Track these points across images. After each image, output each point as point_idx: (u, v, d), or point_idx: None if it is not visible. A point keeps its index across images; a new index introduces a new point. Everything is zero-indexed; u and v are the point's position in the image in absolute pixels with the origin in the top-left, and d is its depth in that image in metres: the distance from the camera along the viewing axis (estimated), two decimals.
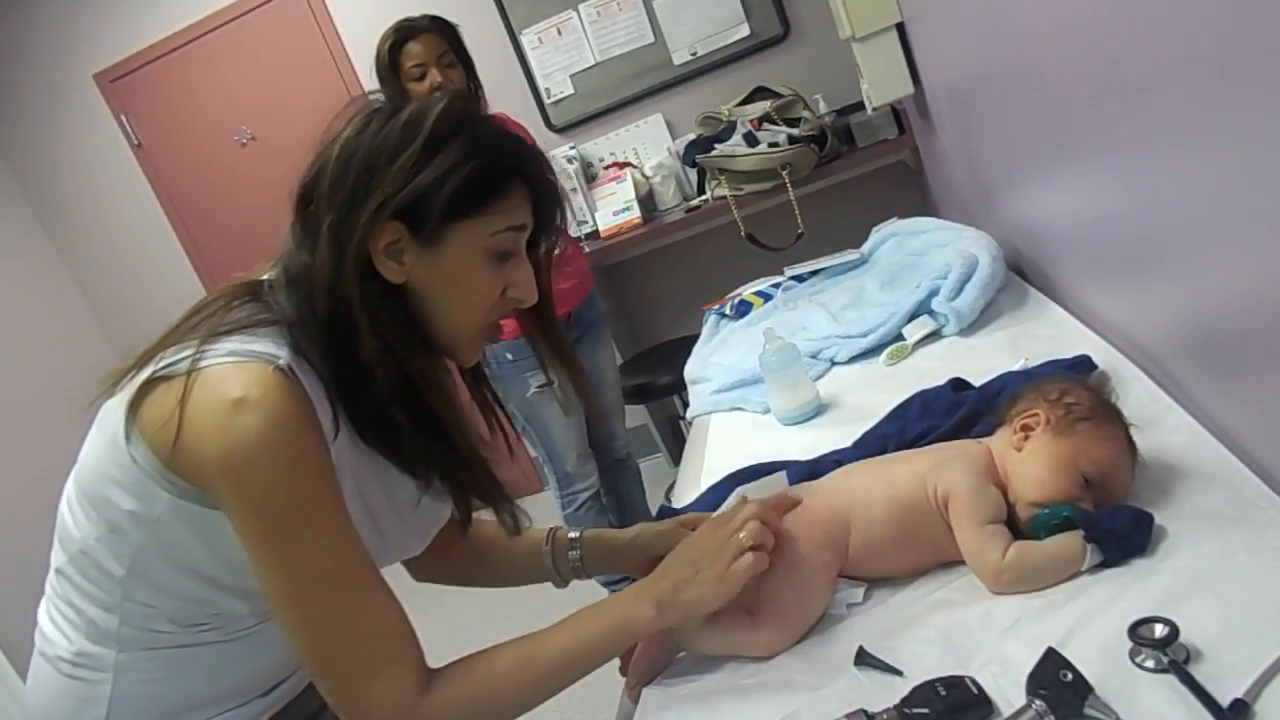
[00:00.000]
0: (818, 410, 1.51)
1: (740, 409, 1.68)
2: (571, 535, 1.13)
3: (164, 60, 3.65)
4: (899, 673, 0.80)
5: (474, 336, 0.89)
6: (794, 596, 0.92)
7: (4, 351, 3.57)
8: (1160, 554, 0.82)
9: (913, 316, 1.63)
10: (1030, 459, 0.91)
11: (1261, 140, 0.68)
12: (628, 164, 3.40)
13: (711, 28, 3.29)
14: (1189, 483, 0.91)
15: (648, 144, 3.44)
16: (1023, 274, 1.71)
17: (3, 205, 3.81)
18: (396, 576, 0.86)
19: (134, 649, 0.87)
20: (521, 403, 2.34)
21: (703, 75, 3.36)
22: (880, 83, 2.25)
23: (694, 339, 2.24)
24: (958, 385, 1.27)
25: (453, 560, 1.12)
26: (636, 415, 3.48)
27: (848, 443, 1.27)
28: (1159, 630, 0.69)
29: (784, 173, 2.81)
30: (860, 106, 2.89)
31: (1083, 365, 1.19)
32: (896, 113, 2.85)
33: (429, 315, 0.85)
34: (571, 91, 3.45)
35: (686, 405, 1.98)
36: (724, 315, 2.24)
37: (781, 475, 1.14)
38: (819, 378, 1.65)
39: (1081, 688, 0.68)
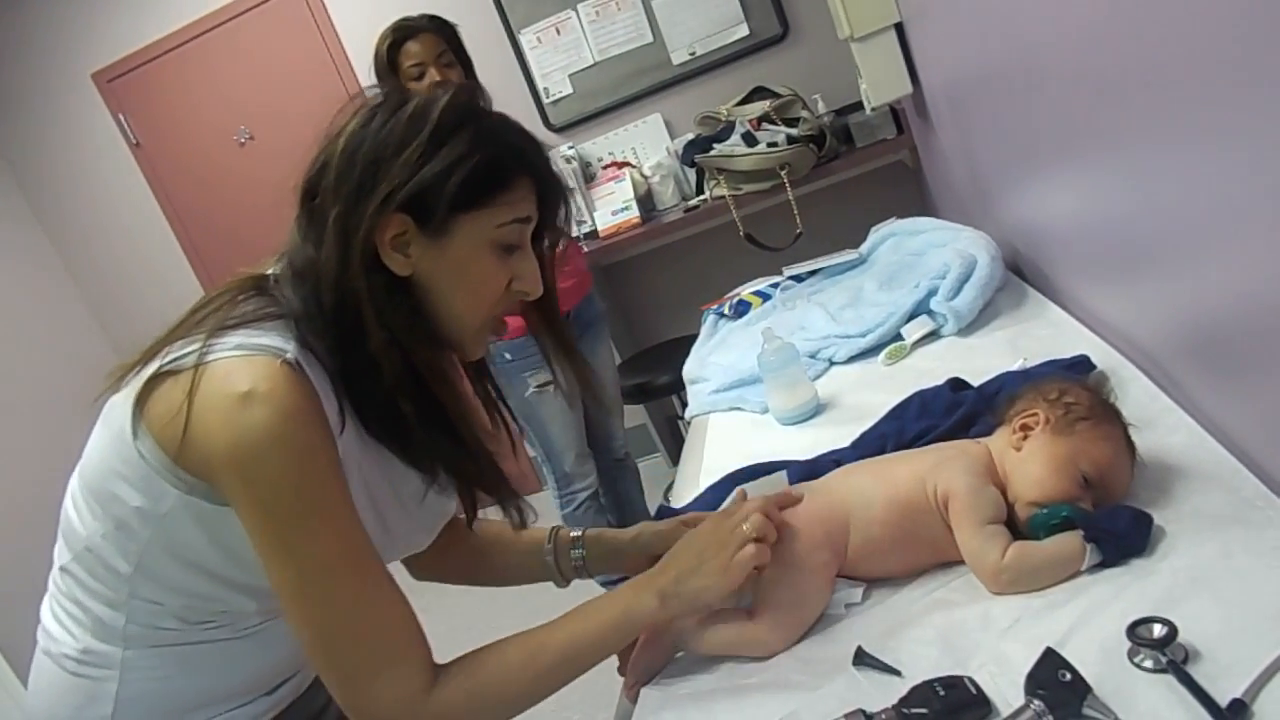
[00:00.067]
0: (816, 410, 1.51)
1: (739, 409, 1.68)
2: (574, 534, 1.13)
3: (162, 59, 3.65)
4: (897, 673, 0.80)
5: (479, 329, 0.89)
6: (793, 596, 0.92)
7: (2, 351, 3.57)
8: (1159, 554, 0.82)
9: (911, 316, 1.63)
10: (1029, 459, 0.91)
11: (1261, 140, 0.68)
12: (626, 164, 3.40)
13: (710, 27, 3.29)
14: (1188, 483, 0.91)
15: (646, 144, 3.44)
16: (1021, 274, 1.71)
17: (1, 205, 3.81)
18: (397, 575, 0.86)
19: (140, 646, 0.87)
20: (520, 402, 2.34)
21: (701, 75, 3.36)
22: (879, 83, 2.25)
23: (692, 339, 2.24)
24: (956, 385, 1.27)
25: (454, 559, 1.12)
26: (635, 415, 3.48)
27: (846, 443, 1.27)
28: (1158, 630, 0.69)
29: (783, 173, 2.81)
30: (859, 106, 2.89)
31: (1081, 365, 1.19)
32: (895, 113, 2.85)
33: (435, 308, 0.86)
34: (570, 91, 3.45)
35: (685, 405, 1.98)
36: (722, 315, 2.24)
37: (781, 475, 1.14)
38: (817, 378, 1.64)
39: (1080, 688, 0.68)
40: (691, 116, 3.21)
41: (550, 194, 0.89)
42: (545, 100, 3.47)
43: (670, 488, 1.73)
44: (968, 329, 1.56)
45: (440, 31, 2.12)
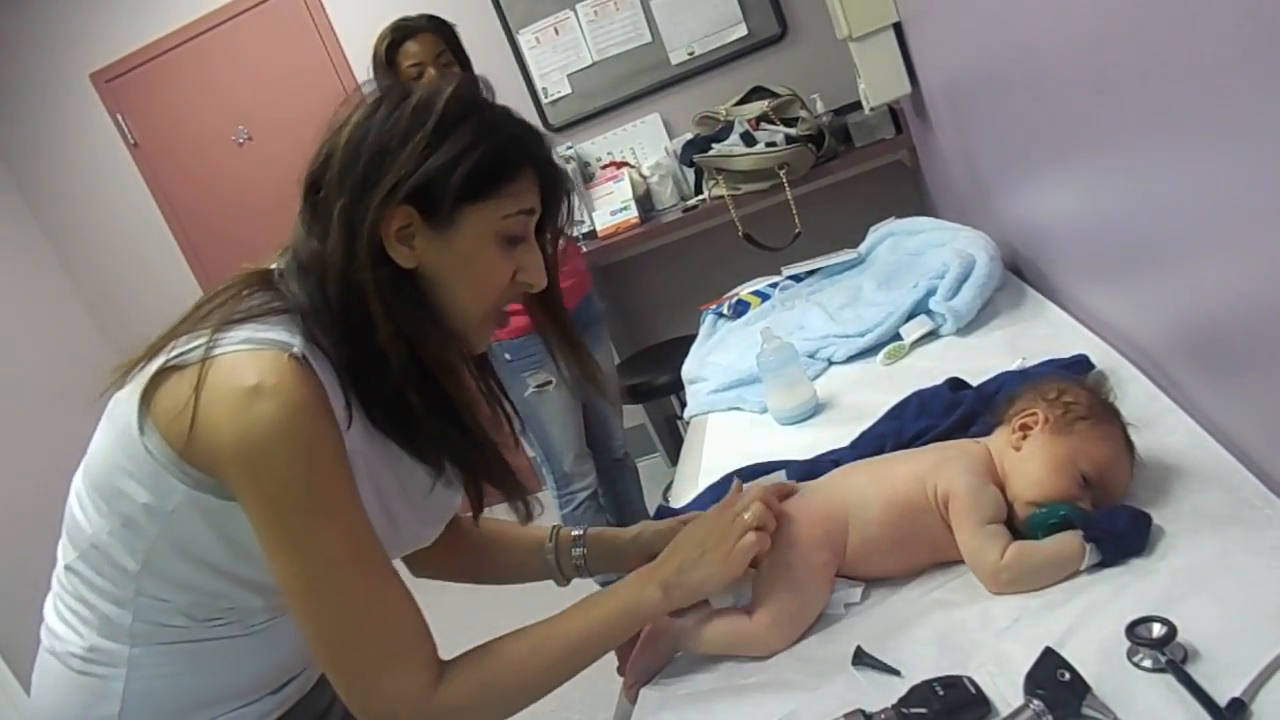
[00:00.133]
0: (815, 410, 1.51)
1: (738, 409, 1.68)
2: (575, 533, 1.13)
3: (161, 60, 3.65)
4: (897, 673, 0.80)
5: (483, 320, 0.89)
6: (792, 596, 0.92)
7: (0, 350, 3.57)
8: (1158, 554, 0.82)
9: (910, 316, 1.63)
10: (1029, 458, 0.91)
11: (1260, 140, 0.68)
12: (625, 164, 3.40)
13: (709, 27, 3.29)
14: (1187, 482, 0.91)
15: (645, 144, 3.44)
16: (1020, 273, 1.71)
17: None
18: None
19: (147, 644, 0.87)
20: (520, 403, 2.34)
21: (700, 75, 3.36)
22: (878, 82, 2.25)
23: (691, 339, 2.24)
24: (955, 385, 1.27)
25: (455, 556, 1.12)
26: (634, 415, 3.48)
27: (845, 442, 1.27)
28: (1157, 630, 0.69)
29: (781, 172, 2.81)
30: (857, 106, 2.89)
31: (1080, 365, 1.20)
32: (894, 112, 2.85)
33: (440, 300, 0.86)
34: (569, 91, 3.45)
35: (684, 405, 1.98)
36: (721, 315, 2.24)
37: (780, 475, 1.14)
38: (816, 377, 1.64)
39: (1079, 687, 0.68)
40: (690, 116, 3.21)
41: (553, 186, 0.90)
42: (544, 100, 3.47)
43: (669, 487, 1.73)
44: (966, 329, 1.56)
45: (439, 31, 2.12)
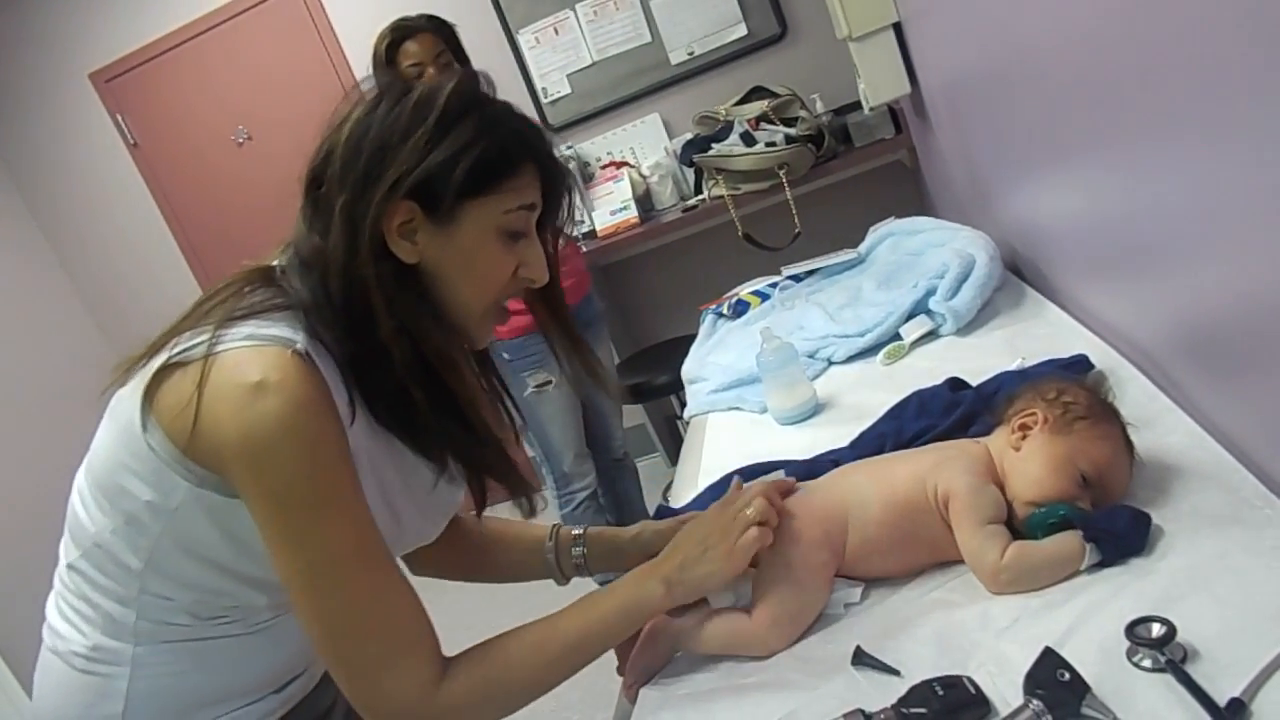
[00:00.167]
0: (815, 410, 1.51)
1: (737, 408, 1.68)
2: (575, 532, 1.13)
3: (160, 59, 3.65)
4: (896, 672, 0.80)
5: (485, 316, 0.89)
6: (791, 596, 0.92)
7: (0, 350, 3.57)
8: (1158, 553, 0.82)
9: (910, 316, 1.63)
10: (1028, 458, 0.91)
11: (1260, 139, 0.68)
12: (625, 164, 3.40)
13: (709, 27, 3.29)
14: (1186, 482, 0.91)
15: (645, 144, 3.44)
16: (1020, 273, 1.71)
17: None
18: None
19: (151, 642, 0.87)
20: (519, 402, 2.33)
21: (700, 75, 3.36)
22: (877, 82, 2.25)
23: (691, 339, 2.24)
24: (955, 385, 1.27)
25: (455, 555, 1.12)
26: (634, 415, 3.48)
27: (845, 442, 1.27)
28: (1156, 630, 0.69)
29: (781, 172, 2.81)
30: (857, 106, 2.89)
31: (1079, 365, 1.20)
32: (893, 112, 2.85)
33: (441, 295, 0.86)
34: (568, 91, 3.45)
35: (684, 405, 1.98)
36: (721, 315, 2.24)
37: (779, 475, 1.14)
38: (816, 377, 1.64)
39: (1079, 687, 0.68)
40: (690, 116, 3.21)
41: (555, 181, 0.90)
42: (543, 100, 3.47)
43: (669, 487, 1.73)
44: (966, 329, 1.56)
45: (439, 31, 2.12)
